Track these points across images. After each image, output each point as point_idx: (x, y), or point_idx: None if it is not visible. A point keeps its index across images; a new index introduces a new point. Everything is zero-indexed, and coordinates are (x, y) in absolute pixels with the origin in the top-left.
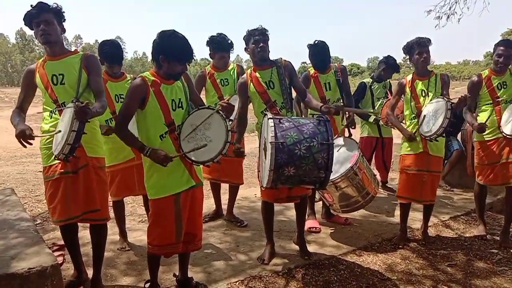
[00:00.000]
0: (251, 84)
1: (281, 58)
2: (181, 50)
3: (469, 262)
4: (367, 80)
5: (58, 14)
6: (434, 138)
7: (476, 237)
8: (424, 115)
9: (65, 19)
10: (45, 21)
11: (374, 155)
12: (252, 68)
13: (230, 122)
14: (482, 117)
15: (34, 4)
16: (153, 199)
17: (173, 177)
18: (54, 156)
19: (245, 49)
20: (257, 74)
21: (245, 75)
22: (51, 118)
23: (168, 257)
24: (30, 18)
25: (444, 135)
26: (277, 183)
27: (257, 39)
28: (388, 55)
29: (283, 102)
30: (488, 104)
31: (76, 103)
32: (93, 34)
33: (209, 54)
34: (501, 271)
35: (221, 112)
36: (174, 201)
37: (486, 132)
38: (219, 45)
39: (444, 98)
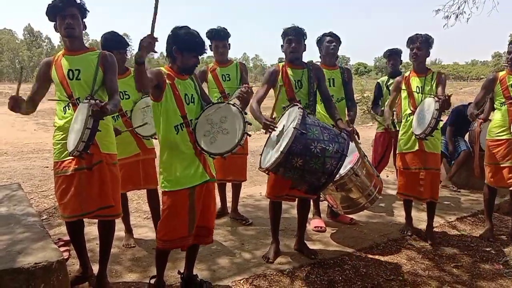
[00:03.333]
0: (281, 76)
1: (312, 61)
2: (193, 41)
3: (475, 263)
4: (382, 79)
5: (82, 10)
6: (423, 137)
7: (482, 238)
8: (417, 114)
9: (86, 16)
10: (71, 15)
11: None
12: (284, 63)
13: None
14: (496, 117)
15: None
16: (168, 192)
17: (188, 171)
18: (68, 152)
19: (281, 47)
20: (289, 72)
21: (277, 65)
22: (65, 114)
23: (183, 249)
24: (55, 11)
25: (440, 131)
26: (279, 168)
27: (290, 39)
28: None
29: (307, 103)
30: (502, 103)
31: (96, 101)
32: (100, 31)
33: (209, 46)
34: (507, 273)
35: (236, 105)
36: (189, 194)
37: (498, 131)
38: (213, 33)
39: (434, 97)
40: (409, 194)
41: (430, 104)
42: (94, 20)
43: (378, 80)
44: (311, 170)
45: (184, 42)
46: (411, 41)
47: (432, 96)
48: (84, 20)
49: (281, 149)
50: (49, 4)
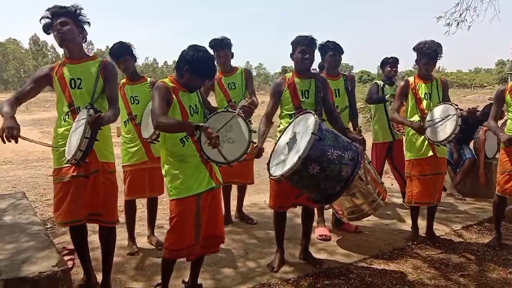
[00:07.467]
0: (288, 88)
1: (319, 73)
2: (206, 67)
3: (482, 272)
4: (379, 82)
5: (73, 15)
6: (444, 144)
7: (489, 247)
8: (432, 120)
9: (84, 22)
10: (60, 22)
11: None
12: (292, 73)
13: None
14: (509, 125)
15: (49, 10)
16: (176, 200)
17: (195, 178)
18: (66, 160)
19: (291, 55)
20: (296, 81)
21: (285, 76)
22: (64, 122)
23: (189, 259)
24: (47, 27)
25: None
26: (294, 176)
27: (304, 49)
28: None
29: (314, 112)
30: None
31: (90, 114)
32: (104, 40)
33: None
34: None
35: (241, 114)
36: (196, 201)
37: None
38: (214, 43)
39: (453, 104)
40: (426, 202)
41: (450, 112)
42: (100, 30)
43: (377, 81)
44: (327, 177)
45: (197, 66)
46: (433, 53)
47: (450, 103)
48: (85, 29)
49: (299, 154)
50: (40, 20)
